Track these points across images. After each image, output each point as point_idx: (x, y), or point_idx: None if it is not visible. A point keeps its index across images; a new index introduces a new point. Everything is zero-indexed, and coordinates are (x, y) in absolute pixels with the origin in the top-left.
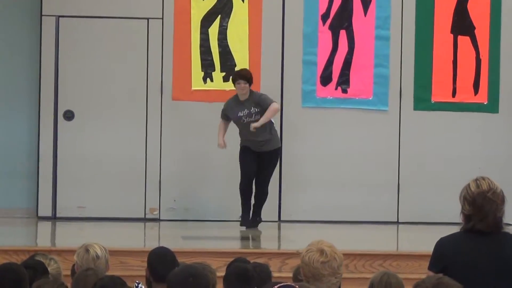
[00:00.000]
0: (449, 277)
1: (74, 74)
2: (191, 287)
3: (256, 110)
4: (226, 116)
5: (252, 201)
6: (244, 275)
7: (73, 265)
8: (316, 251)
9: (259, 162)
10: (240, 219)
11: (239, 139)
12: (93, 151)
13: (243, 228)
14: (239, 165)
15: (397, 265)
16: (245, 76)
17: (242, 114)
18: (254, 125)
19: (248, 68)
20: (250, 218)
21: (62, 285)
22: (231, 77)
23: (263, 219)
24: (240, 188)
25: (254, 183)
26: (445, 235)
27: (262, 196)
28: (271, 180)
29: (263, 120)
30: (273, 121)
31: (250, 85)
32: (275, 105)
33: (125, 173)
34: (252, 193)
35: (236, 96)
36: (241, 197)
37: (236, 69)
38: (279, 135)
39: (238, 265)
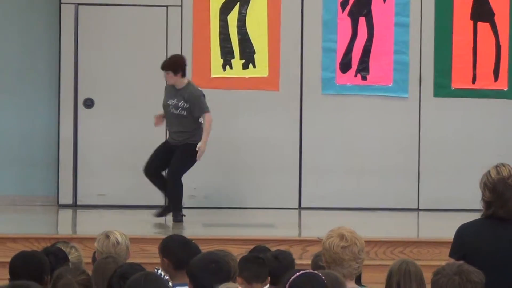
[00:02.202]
0: (469, 264)
1: (94, 62)
2: (213, 274)
3: (184, 105)
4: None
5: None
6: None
7: (94, 252)
8: (337, 236)
9: (172, 152)
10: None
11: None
12: (113, 139)
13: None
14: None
15: (418, 252)
16: (165, 65)
17: (171, 103)
18: (200, 147)
19: (179, 55)
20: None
21: (83, 273)
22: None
23: (282, 206)
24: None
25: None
26: (465, 222)
27: (169, 190)
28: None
29: (205, 137)
30: (200, 120)
31: (177, 74)
32: (209, 117)
33: (145, 160)
34: (157, 182)
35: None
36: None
37: (255, 56)
38: (298, 122)
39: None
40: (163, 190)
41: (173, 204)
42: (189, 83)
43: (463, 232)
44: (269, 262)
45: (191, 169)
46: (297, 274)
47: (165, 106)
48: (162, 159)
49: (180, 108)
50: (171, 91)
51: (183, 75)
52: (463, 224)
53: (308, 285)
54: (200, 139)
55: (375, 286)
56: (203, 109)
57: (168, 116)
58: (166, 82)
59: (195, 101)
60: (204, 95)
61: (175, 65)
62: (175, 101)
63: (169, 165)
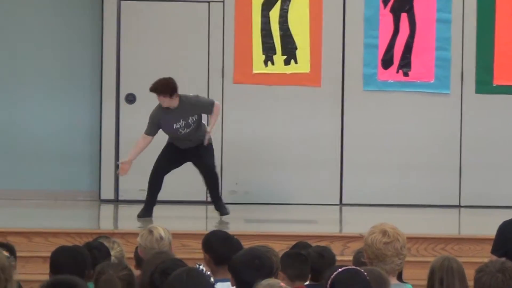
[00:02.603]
0: None
1: (136, 57)
2: (256, 269)
3: (194, 119)
4: (156, 129)
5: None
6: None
7: (136, 247)
8: (379, 232)
9: (192, 155)
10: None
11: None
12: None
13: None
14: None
15: (459, 248)
16: (160, 90)
17: (178, 126)
18: (208, 138)
19: (166, 77)
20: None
21: (125, 268)
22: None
23: (323, 202)
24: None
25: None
26: (508, 218)
27: (216, 184)
28: None
29: (212, 124)
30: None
31: (172, 96)
32: (218, 105)
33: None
34: (159, 189)
35: (161, 108)
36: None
37: (297, 52)
38: (340, 118)
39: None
40: (155, 197)
41: (220, 196)
42: (180, 97)
43: (505, 229)
44: (312, 258)
45: (232, 164)
46: (340, 270)
47: (174, 133)
48: (171, 167)
49: (191, 125)
50: (168, 115)
51: (177, 94)
52: (506, 221)
53: (350, 281)
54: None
55: (416, 283)
56: (210, 103)
57: (177, 138)
58: (159, 107)
59: (199, 104)
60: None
61: (169, 88)
62: (182, 122)
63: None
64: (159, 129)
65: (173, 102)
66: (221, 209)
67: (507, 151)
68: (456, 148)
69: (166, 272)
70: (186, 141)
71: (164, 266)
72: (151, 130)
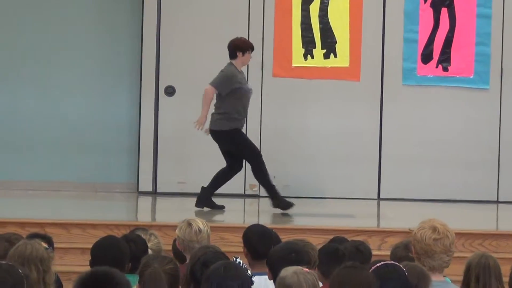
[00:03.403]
0: None
1: (175, 50)
2: (293, 263)
3: None
4: (229, 88)
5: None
6: (335, 254)
7: (174, 239)
8: (429, 228)
9: None
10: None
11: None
12: (193, 127)
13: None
14: (247, 147)
15: (497, 244)
16: (252, 46)
17: (249, 87)
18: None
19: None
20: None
21: (170, 262)
22: (243, 45)
23: (361, 196)
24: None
25: (228, 171)
26: None
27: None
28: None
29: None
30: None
31: None
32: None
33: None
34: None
35: (235, 68)
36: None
37: (337, 46)
38: (378, 113)
39: (330, 244)
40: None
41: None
42: None
43: None
44: (348, 253)
45: (271, 158)
46: (379, 264)
47: (248, 93)
48: None
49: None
50: (242, 76)
51: None
52: None
53: (388, 276)
54: None
55: (453, 278)
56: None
57: (247, 101)
58: (247, 62)
59: None
60: None
61: None
62: (249, 84)
63: None
64: (232, 89)
65: None
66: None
67: None
68: (495, 144)
69: (206, 264)
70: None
71: (205, 258)
72: (222, 87)
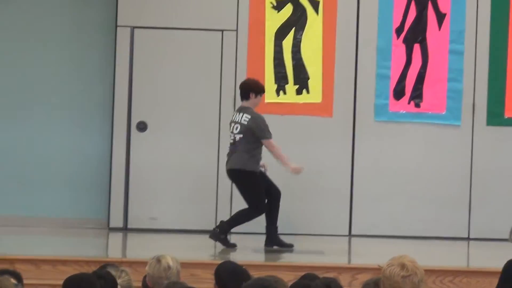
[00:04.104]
0: None
1: (148, 85)
2: None
3: None
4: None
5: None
6: None
7: (144, 276)
8: (398, 265)
9: (261, 177)
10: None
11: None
12: (165, 163)
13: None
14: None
15: (467, 281)
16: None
17: None
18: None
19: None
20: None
21: None
22: (257, 87)
23: (333, 233)
24: (259, 215)
25: (272, 199)
26: None
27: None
28: None
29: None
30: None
31: None
32: None
33: (197, 184)
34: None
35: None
36: (247, 221)
37: (309, 82)
38: (350, 149)
39: (301, 281)
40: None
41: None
42: None
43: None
44: None
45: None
46: None
47: None
48: None
49: None
50: None
51: None
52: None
53: None
54: None
55: None
56: None
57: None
58: (255, 106)
59: None
60: None
61: None
62: None
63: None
64: None
65: None
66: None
67: None
68: (467, 180)
69: None
70: None
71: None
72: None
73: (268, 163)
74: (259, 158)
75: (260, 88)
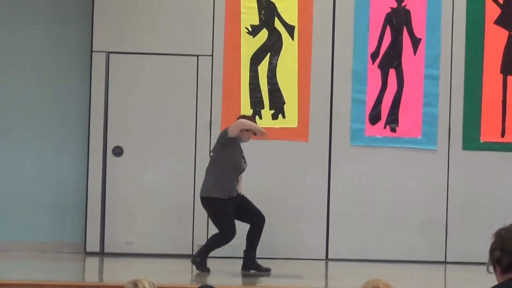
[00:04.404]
0: None
1: (124, 110)
2: None
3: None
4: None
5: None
6: None
7: None
8: None
9: (241, 201)
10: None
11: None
12: (142, 188)
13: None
14: (222, 219)
15: None
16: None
17: (244, 160)
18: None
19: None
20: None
21: None
22: (246, 120)
23: (309, 257)
24: (222, 243)
25: (254, 224)
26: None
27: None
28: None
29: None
30: None
31: None
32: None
33: (173, 209)
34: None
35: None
36: (217, 247)
37: (285, 106)
38: (327, 173)
39: None
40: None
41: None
42: None
43: None
44: None
45: None
46: None
47: (240, 162)
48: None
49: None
50: (239, 147)
51: None
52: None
53: None
54: None
55: None
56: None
57: (239, 171)
58: (245, 139)
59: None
60: None
61: None
62: (243, 154)
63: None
64: (233, 146)
65: None
66: (251, 263)
67: (494, 208)
68: (443, 204)
69: None
70: (237, 182)
71: None
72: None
73: (247, 189)
74: (228, 183)
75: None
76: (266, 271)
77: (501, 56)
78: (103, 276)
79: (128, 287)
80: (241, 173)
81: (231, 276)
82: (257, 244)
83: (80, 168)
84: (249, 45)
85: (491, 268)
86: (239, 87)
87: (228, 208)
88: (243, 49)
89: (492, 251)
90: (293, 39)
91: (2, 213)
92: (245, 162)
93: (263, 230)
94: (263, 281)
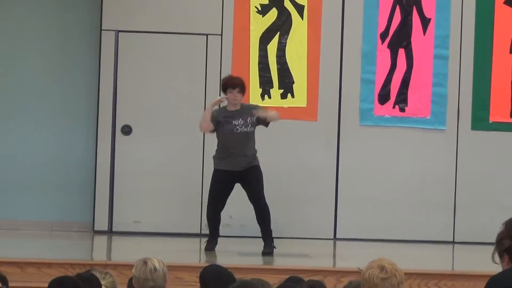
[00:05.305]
0: None
1: (133, 88)
2: None
3: (253, 120)
4: (214, 123)
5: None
6: None
7: (130, 278)
8: (377, 267)
9: (243, 182)
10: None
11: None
12: (150, 166)
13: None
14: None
15: (452, 285)
16: (239, 85)
17: (237, 123)
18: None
19: (238, 76)
20: (264, 246)
21: None
22: (222, 86)
23: (318, 236)
24: (207, 217)
25: (255, 212)
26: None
27: (264, 214)
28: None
29: (270, 112)
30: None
31: (243, 94)
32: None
33: (182, 188)
34: (219, 222)
35: (223, 108)
36: (208, 224)
37: (294, 86)
38: (335, 153)
39: (286, 284)
40: (218, 230)
41: (268, 232)
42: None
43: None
44: None
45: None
46: None
47: (231, 130)
48: (225, 197)
49: (249, 125)
50: (227, 114)
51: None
52: (493, 276)
53: None
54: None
55: None
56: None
57: (233, 138)
58: (229, 100)
59: (259, 108)
60: None
61: (244, 86)
62: (241, 120)
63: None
64: (217, 124)
65: (239, 102)
66: (264, 246)
67: (502, 188)
68: (451, 184)
69: None
70: (238, 149)
71: None
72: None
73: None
74: (220, 154)
75: (223, 85)
76: (265, 255)
77: (511, 36)
78: (111, 255)
79: (138, 265)
80: (238, 142)
81: (238, 255)
82: (262, 231)
83: (89, 147)
84: (259, 24)
85: (496, 258)
86: (248, 66)
87: (214, 180)
88: (252, 28)
89: (501, 240)
90: (302, 19)
91: (12, 193)
92: (240, 126)
93: (271, 210)
94: (271, 260)
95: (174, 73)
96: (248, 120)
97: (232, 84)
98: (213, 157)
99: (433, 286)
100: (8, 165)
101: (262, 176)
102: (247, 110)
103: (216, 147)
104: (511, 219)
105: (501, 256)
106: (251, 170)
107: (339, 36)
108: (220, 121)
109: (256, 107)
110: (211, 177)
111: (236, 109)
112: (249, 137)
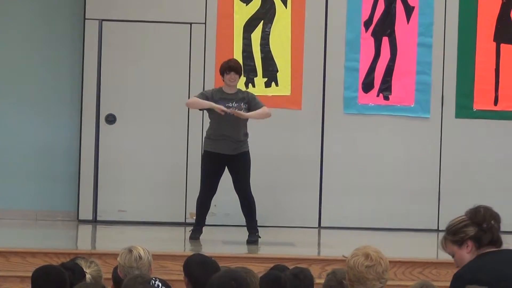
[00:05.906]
0: None
1: (116, 78)
2: None
3: (246, 106)
4: (205, 99)
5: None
6: (277, 282)
7: (115, 268)
8: (362, 255)
9: (232, 167)
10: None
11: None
12: (134, 155)
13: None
14: (201, 176)
15: (437, 273)
16: (238, 68)
17: (231, 106)
18: (241, 112)
19: (235, 59)
20: (249, 235)
21: None
22: (220, 70)
23: (302, 225)
24: (197, 202)
25: (238, 194)
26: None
27: (250, 204)
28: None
29: (253, 115)
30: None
31: (239, 77)
32: (268, 110)
33: (166, 177)
34: (208, 209)
35: (220, 89)
36: (196, 211)
37: (278, 75)
38: (320, 141)
39: (271, 272)
40: (204, 219)
41: (255, 221)
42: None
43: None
44: (288, 280)
45: None
46: None
47: (220, 123)
48: (217, 181)
49: (242, 109)
50: (223, 96)
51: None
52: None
53: None
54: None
55: None
56: (262, 103)
57: (226, 121)
58: (226, 82)
59: (256, 99)
60: None
61: (241, 68)
62: (235, 104)
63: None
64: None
65: (236, 84)
66: (249, 235)
67: (486, 176)
68: (436, 172)
69: None
70: (229, 131)
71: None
72: (201, 97)
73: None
74: (210, 134)
75: (221, 69)
76: (249, 243)
77: (495, 24)
78: (96, 244)
79: (123, 253)
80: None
81: (223, 244)
82: (247, 221)
83: (73, 136)
84: (242, 12)
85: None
86: (232, 55)
87: (204, 163)
88: (236, 17)
89: (462, 228)
90: (286, 7)
91: None
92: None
93: (256, 198)
94: (255, 249)
95: (158, 62)
96: (241, 105)
97: (229, 67)
98: (205, 137)
99: (417, 274)
100: None
101: (250, 164)
102: (243, 97)
103: (208, 125)
104: (472, 208)
105: (460, 244)
106: (241, 157)
107: (323, 24)
108: (216, 101)
109: (253, 98)
110: (200, 162)
111: (232, 92)
112: (241, 121)
